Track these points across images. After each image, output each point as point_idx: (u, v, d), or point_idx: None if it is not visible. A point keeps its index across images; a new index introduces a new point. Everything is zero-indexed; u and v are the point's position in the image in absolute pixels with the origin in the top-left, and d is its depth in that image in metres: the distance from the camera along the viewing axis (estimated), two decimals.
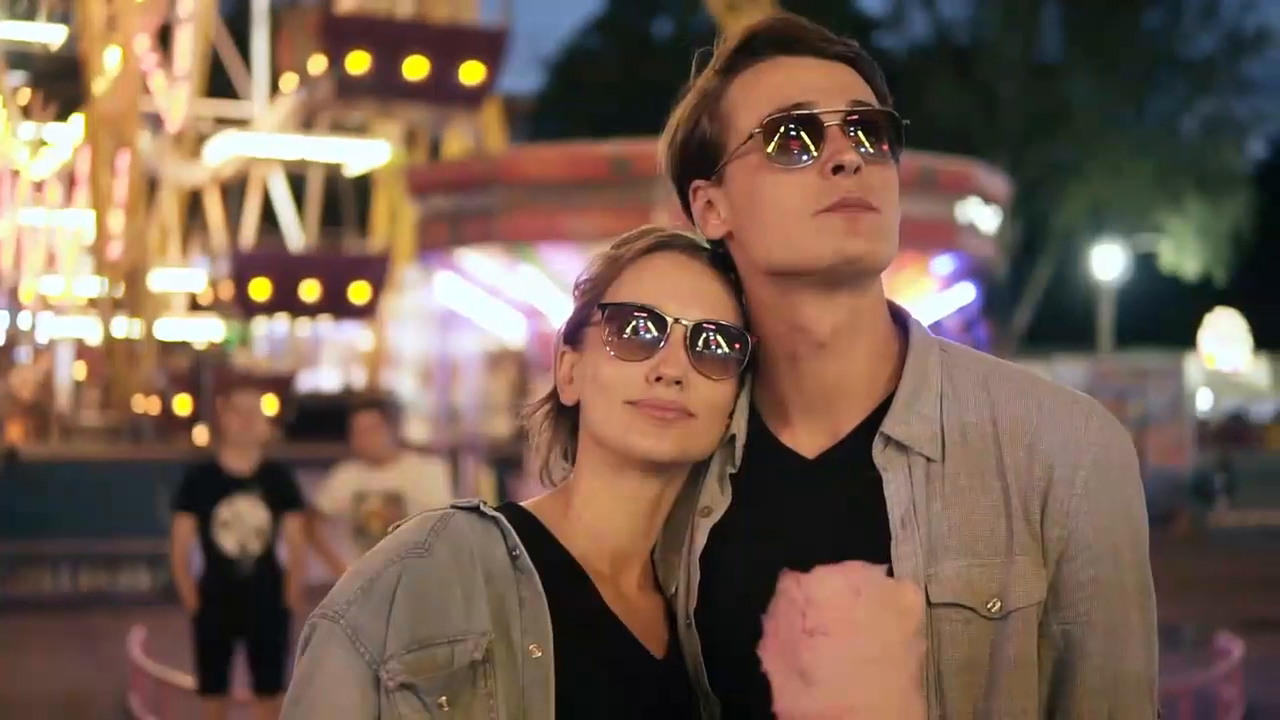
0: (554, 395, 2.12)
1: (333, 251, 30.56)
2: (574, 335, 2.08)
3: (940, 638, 1.86)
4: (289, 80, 26.27)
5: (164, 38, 29.45)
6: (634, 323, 1.98)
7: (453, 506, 2.01)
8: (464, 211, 15.81)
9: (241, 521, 8.53)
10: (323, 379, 35.17)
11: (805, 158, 1.87)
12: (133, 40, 25.96)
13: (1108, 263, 41.04)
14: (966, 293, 19.07)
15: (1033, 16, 45.40)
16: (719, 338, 1.98)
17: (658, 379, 1.95)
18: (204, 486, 8.62)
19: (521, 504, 2.08)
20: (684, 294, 2.00)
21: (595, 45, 59.69)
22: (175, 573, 8.86)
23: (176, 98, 29.00)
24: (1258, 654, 11.83)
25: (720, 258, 2.05)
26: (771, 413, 2.04)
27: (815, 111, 1.88)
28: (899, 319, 2.04)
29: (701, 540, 2.02)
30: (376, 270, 27.71)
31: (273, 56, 30.28)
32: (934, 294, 21.15)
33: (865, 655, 1.62)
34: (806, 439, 2.00)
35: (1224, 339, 49.96)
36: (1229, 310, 49.91)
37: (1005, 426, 1.92)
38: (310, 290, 26.35)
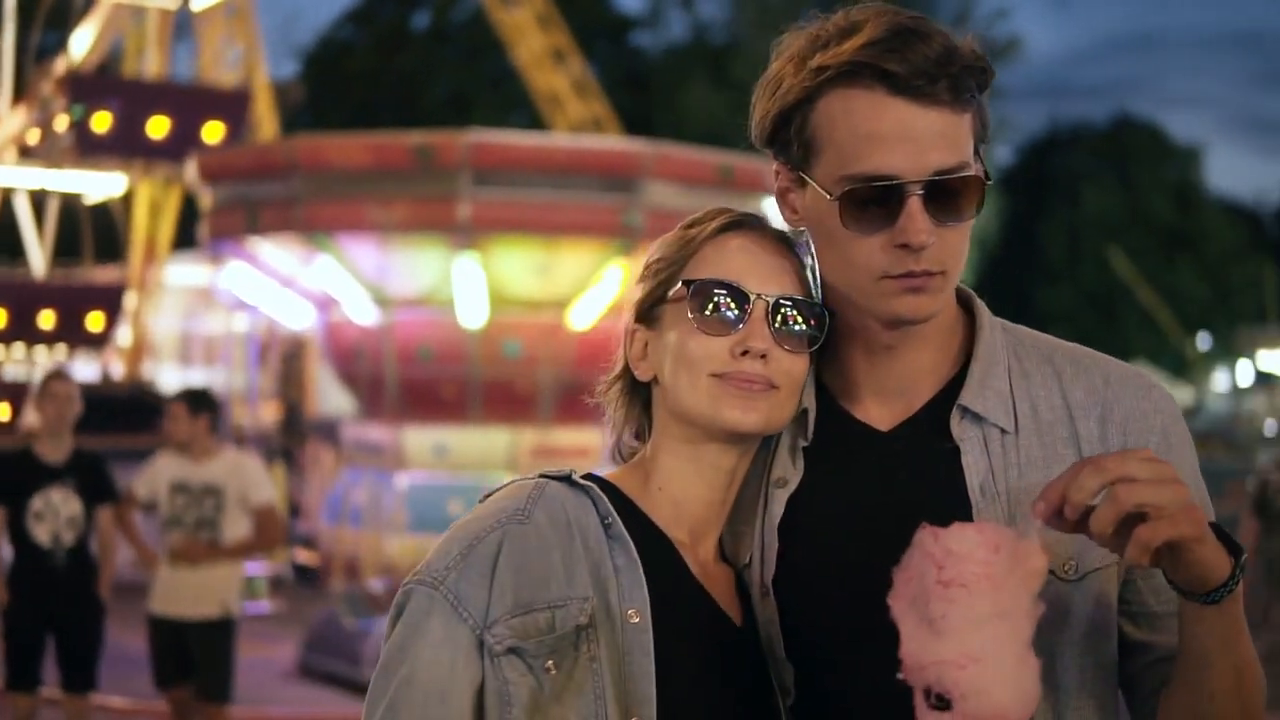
0: (626, 373, 2.15)
1: (69, 279, 30.78)
2: (649, 313, 2.11)
3: None
4: (32, 134, 26.34)
5: None
6: (716, 299, 2.02)
7: (543, 475, 2.04)
8: (261, 199, 15.48)
9: (55, 512, 8.32)
10: (78, 371, 34.15)
11: (878, 225, 1.91)
12: None
13: None
14: None
15: (788, 19, 46.04)
16: (797, 313, 2.04)
17: (743, 353, 2.00)
18: (16, 477, 8.38)
19: (603, 476, 2.11)
20: (762, 271, 2.05)
21: (350, 36, 58.63)
22: None
23: None
24: None
25: (791, 237, 2.11)
26: (841, 388, 2.11)
27: (893, 183, 1.89)
28: (961, 297, 2.13)
29: (778, 510, 2.07)
30: (113, 299, 28.32)
31: (17, 54, 29.82)
32: None
33: (996, 609, 1.68)
34: (878, 412, 2.07)
35: None
36: None
37: (1076, 400, 2.03)
38: (47, 319, 26.94)
